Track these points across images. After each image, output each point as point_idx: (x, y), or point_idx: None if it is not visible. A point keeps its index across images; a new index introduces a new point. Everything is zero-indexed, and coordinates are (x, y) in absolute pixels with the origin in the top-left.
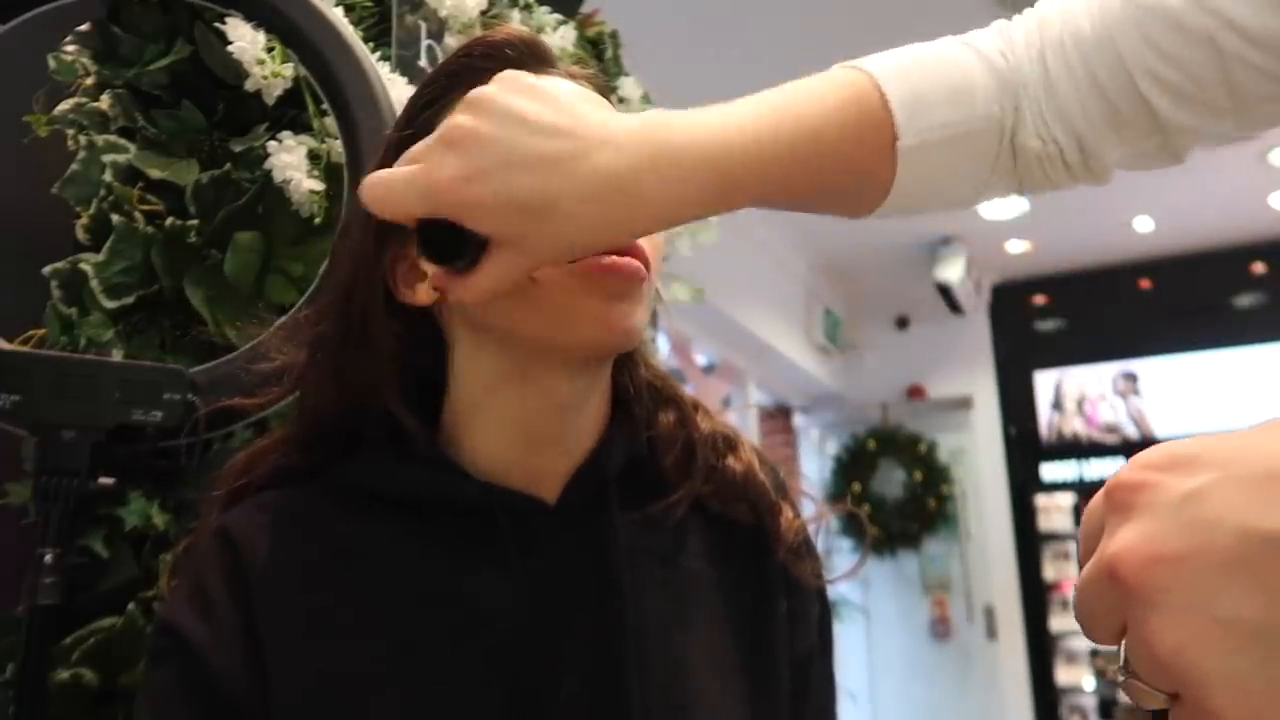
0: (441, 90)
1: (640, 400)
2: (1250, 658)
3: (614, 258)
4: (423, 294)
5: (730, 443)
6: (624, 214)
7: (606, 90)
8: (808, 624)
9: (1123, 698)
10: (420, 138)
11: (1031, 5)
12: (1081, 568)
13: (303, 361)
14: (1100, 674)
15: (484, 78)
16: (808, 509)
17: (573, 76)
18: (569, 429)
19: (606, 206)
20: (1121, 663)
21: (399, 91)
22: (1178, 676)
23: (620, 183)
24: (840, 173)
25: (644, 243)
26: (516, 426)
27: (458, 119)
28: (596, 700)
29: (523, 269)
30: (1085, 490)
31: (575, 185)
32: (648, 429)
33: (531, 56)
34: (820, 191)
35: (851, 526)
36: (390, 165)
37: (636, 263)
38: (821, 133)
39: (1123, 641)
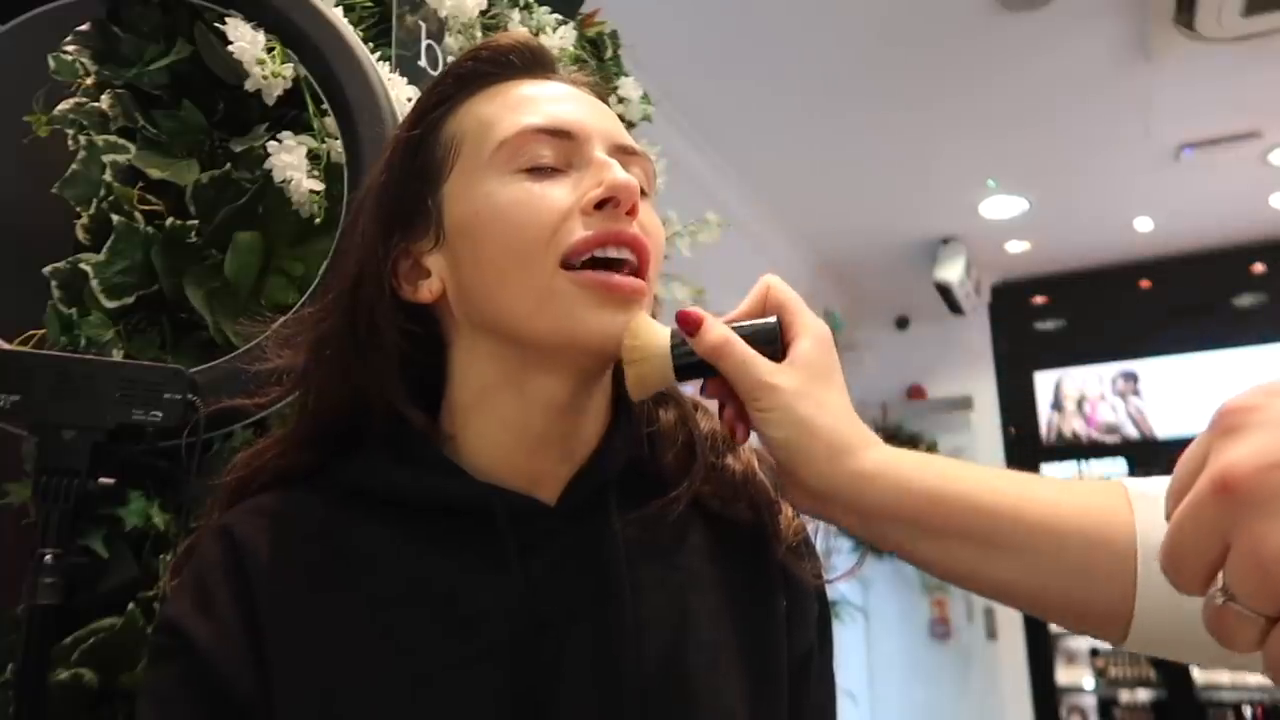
0: (450, 93)
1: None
2: None
3: (615, 276)
4: (425, 292)
5: (730, 442)
6: None
7: (606, 94)
8: (806, 623)
9: (1123, 698)
10: (427, 139)
11: (1034, 7)
12: (1174, 505)
13: (306, 360)
14: (1100, 674)
15: (491, 81)
16: None
17: (575, 83)
18: (569, 432)
19: None
20: (1219, 587)
21: (399, 91)
22: None
23: None
24: (1082, 547)
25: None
26: (515, 428)
27: None
28: (597, 700)
29: None
30: None
31: None
32: (648, 426)
33: (536, 63)
34: (1067, 569)
35: None
36: (396, 166)
37: (637, 282)
38: (1066, 498)
39: (1219, 574)
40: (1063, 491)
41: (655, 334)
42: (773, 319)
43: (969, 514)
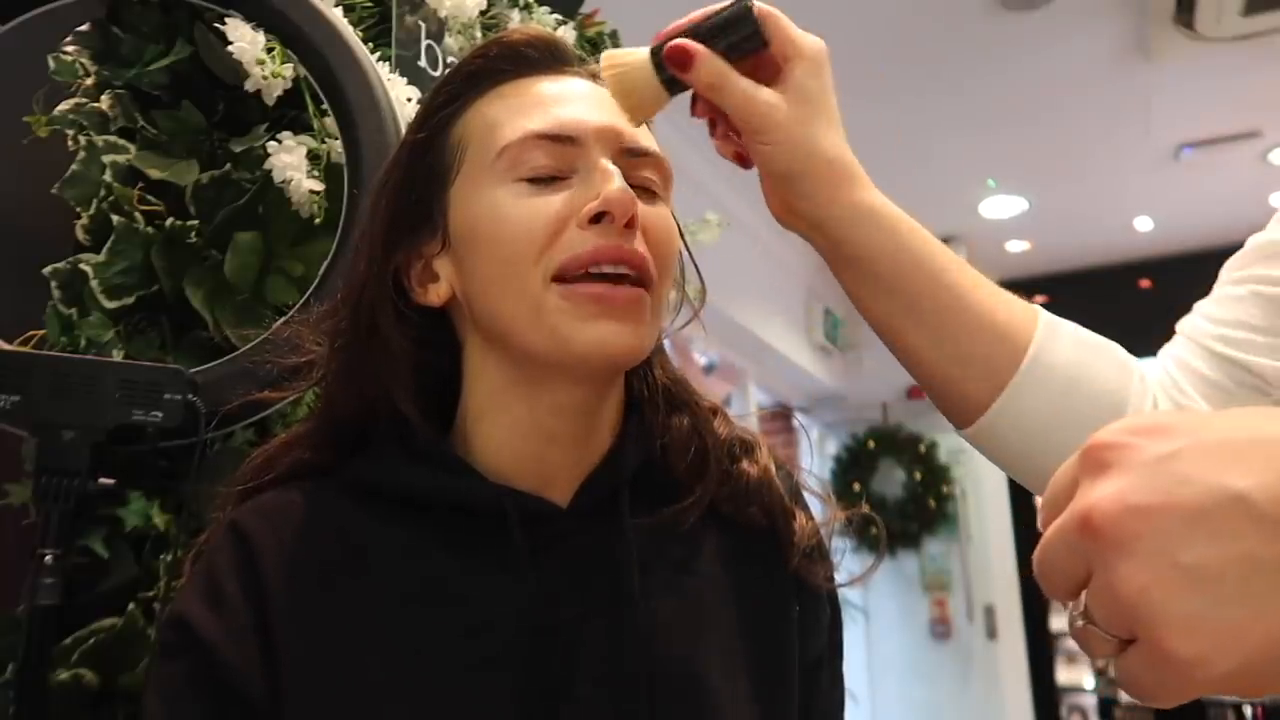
0: (459, 91)
1: (654, 405)
2: (1204, 601)
3: (608, 288)
4: (433, 295)
5: (747, 447)
6: None
7: None
8: (819, 629)
9: (1123, 698)
10: (436, 140)
11: (1034, 7)
12: (1044, 526)
13: (319, 359)
14: (1100, 673)
15: (503, 79)
16: (817, 511)
17: (594, 76)
18: (580, 436)
19: None
20: (1080, 610)
21: (399, 91)
22: (1138, 618)
23: None
24: (984, 338)
25: (650, 251)
26: (525, 431)
27: None
28: (608, 703)
29: None
30: None
31: None
32: (661, 434)
33: (552, 57)
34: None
35: (854, 528)
36: (403, 167)
37: (633, 292)
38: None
39: (1082, 593)
40: (994, 294)
41: (636, 55)
42: (739, 2)
43: (924, 287)
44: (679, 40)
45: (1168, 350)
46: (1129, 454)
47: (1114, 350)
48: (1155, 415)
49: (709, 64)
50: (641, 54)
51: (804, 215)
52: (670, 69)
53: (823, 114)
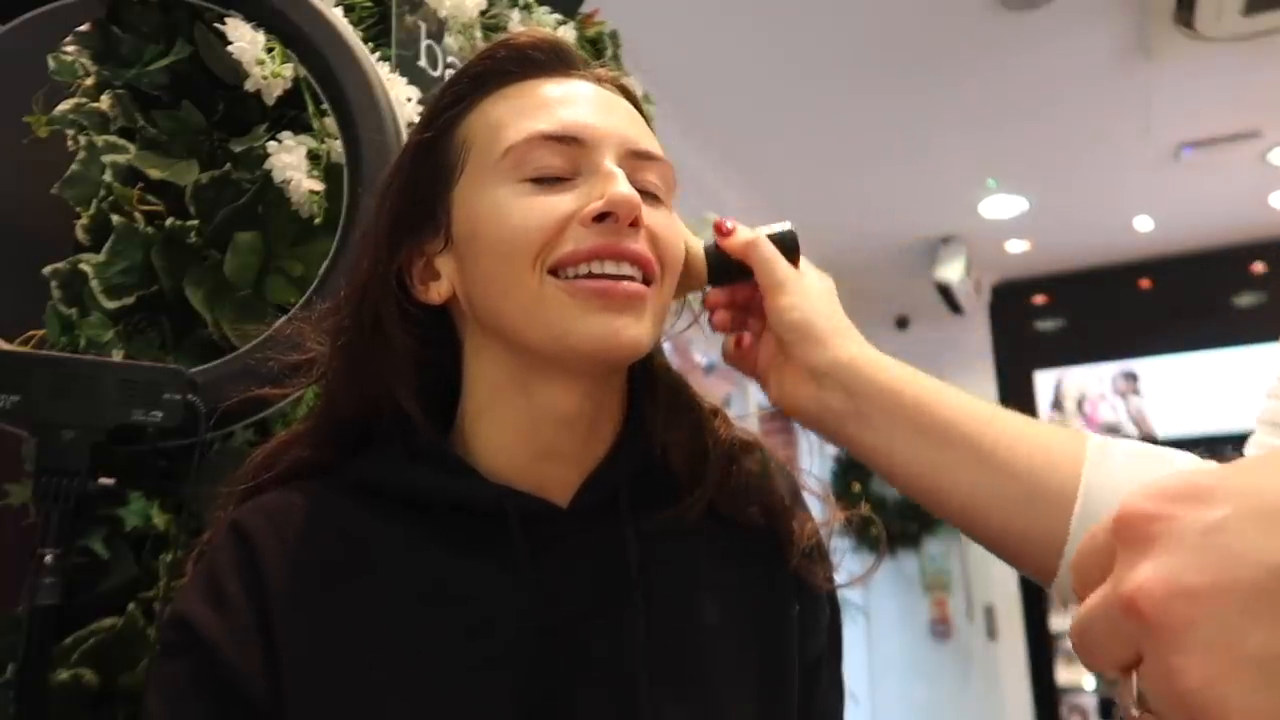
0: (465, 92)
1: (655, 406)
2: (1275, 692)
3: (608, 282)
4: (434, 293)
5: (747, 448)
6: None
7: (634, 94)
8: (818, 629)
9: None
10: (441, 140)
11: (1034, 6)
12: (1080, 597)
13: (327, 353)
14: (1101, 673)
15: (508, 80)
16: (817, 511)
17: (600, 79)
18: (579, 435)
19: None
20: (1134, 697)
21: (399, 91)
22: (1201, 712)
23: None
24: (1029, 480)
25: (654, 253)
26: (524, 434)
27: None
28: (608, 703)
29: None
30: None
31: None
32: (662, 435)
33: (557, 60)
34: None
35: (854, 528)
36: (407, 167)
37: (634, 287)
38: None
39: (1133, 674)
40: (1027, 425)
41: (691, 240)
42: (788, 224)
43: (944, 422)
44: (728, 220)
45: (1251, 444)
46: (1170, 525)
47: (1172, 457)
48: (1190, 475)
49: (747, 231)
50: (697, 240)
51: (807, 366)
52: (715, 233)
53: (826, 293)
